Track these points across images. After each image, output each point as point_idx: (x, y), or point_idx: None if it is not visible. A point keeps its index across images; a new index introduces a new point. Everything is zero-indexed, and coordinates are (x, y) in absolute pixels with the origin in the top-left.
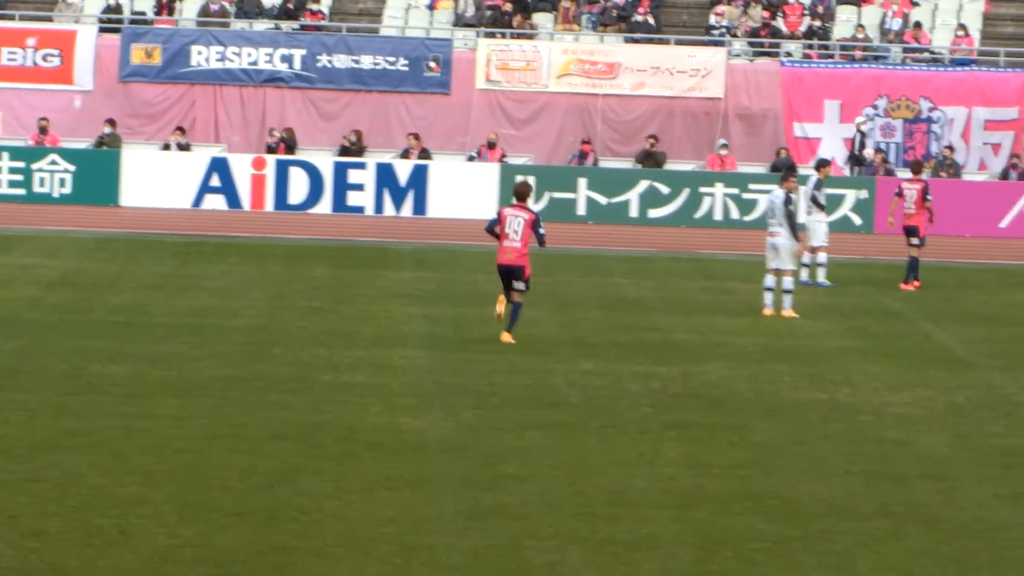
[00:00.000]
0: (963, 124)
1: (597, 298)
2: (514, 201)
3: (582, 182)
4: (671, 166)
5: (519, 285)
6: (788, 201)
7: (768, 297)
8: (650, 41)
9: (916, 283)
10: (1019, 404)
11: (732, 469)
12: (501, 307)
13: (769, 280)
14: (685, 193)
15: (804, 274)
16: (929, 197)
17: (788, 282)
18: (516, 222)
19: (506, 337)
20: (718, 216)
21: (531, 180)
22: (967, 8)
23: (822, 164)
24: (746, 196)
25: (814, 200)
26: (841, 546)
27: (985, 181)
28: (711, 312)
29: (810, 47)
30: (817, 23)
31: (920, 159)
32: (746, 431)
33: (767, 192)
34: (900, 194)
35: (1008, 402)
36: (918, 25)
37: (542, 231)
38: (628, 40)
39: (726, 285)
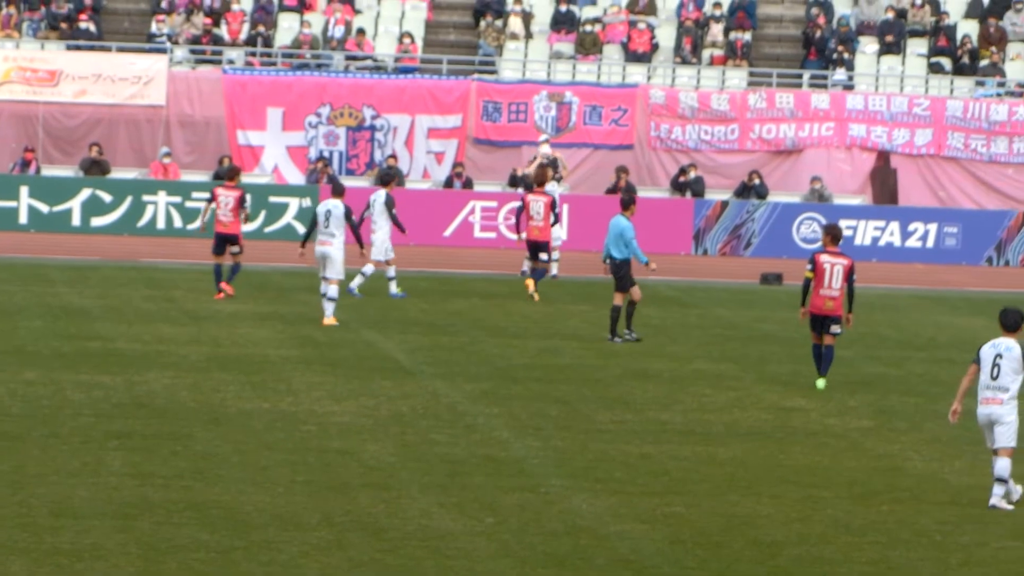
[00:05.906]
0: (407, 132)
1: (39, 307)
2: (535, 187)
3: (24, 190)
4: (115, 174)
5: (543, 256)
6: (349, 212)
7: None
8: (92, 48)
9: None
10: (461, 413)
11: (175, 479)
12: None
13: (324, 288)
14: (128, 201)
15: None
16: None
17: (333, 290)
18: (537, 205)
19: (530, 285)
20: (161, 224)
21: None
22: (409, 16)
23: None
24: (189, 204)
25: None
26: (285, 556)
27: (429, 189)
28: (154, 321)
29: (252, 54)
30: (259, 30)
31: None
32: (189, 440)
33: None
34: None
35: (451, 411)
36: (361, 32)
37: (556, 210)
38: (70, 47)
39: (169, 294)
